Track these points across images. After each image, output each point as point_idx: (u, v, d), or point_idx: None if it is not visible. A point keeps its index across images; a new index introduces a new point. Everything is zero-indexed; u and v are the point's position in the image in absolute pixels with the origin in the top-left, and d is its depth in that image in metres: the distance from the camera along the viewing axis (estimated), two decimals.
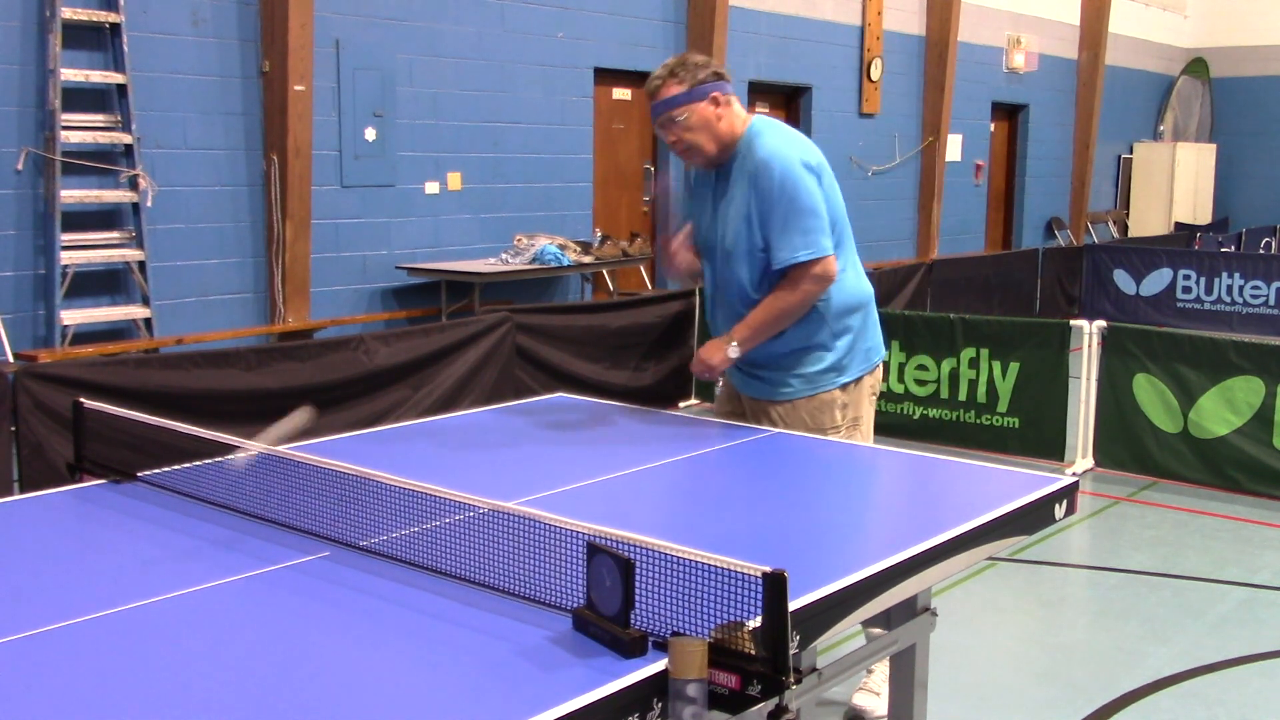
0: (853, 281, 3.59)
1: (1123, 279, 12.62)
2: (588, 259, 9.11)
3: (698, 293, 8.35)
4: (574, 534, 2.11)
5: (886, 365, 5.96)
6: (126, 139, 7.03)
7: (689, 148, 3.49)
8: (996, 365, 7.11)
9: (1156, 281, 12.43)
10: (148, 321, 7.16)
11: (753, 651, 1.82)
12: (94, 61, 7.00)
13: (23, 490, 4.75)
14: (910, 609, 2.81)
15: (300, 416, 2.91)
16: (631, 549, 1.96)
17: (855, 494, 2.96)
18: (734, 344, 3.49)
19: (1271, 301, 11.80)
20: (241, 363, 5.68)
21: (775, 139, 3.48)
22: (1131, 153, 18.21)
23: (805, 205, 3.41)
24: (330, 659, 1.91)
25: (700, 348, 3.54)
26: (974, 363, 7.18)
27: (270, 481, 2.64)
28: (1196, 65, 19.31)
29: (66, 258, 6.81)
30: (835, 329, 3.54)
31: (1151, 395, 6.63)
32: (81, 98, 6.92)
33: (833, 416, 3.55)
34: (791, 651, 1.83)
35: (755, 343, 3.51)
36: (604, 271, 9.81)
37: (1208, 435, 6.47)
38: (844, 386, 3.57)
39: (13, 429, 4.87)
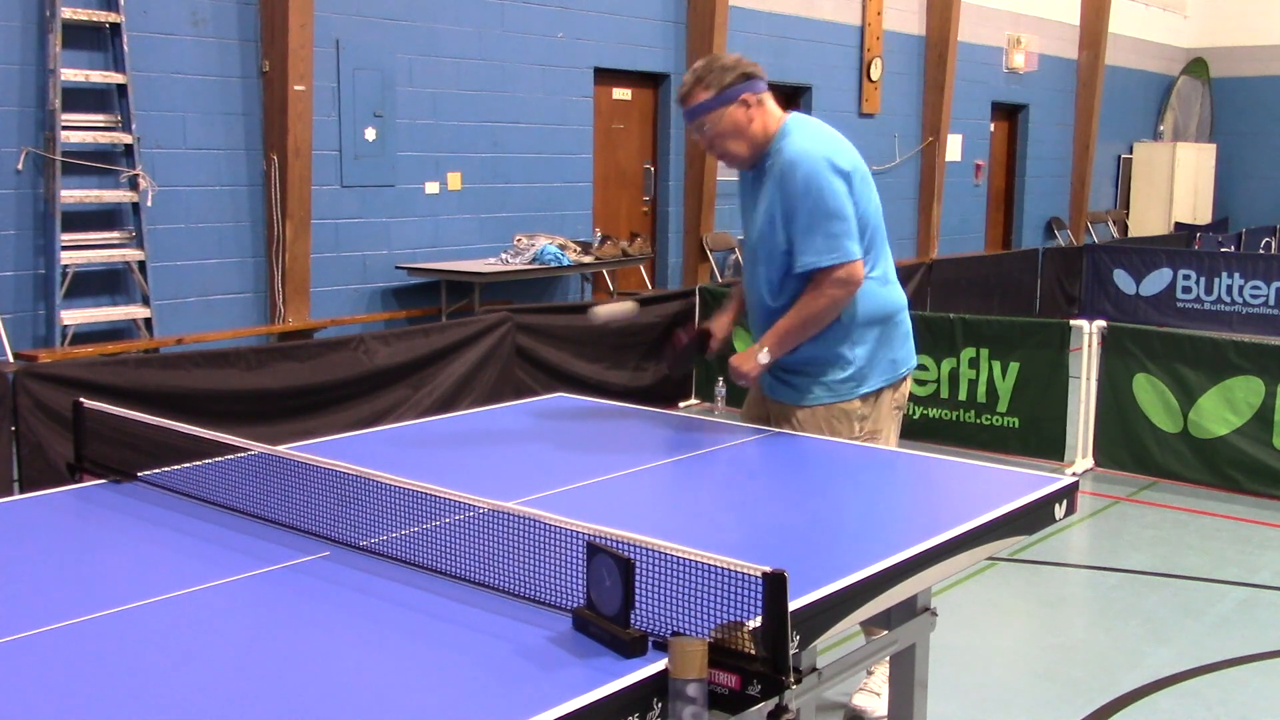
0: (880, 289, 3.49)
1: (1123, 279, 12.62)
2: (588, 259, 9.11)
3: (697, 293, 8.35)
4: (574, 534, 2.11)
5: None
6: (126, 139, 7.02)
7: (722, 153, 3.47)
8: (996, 365, 7.10)
9: (1156, 281, 12.43)
10: (148, 321, 7.16)
11: (753, 651, 1.81)
12: (94, 61, 7.00)
13: (23, 490, 4.76)
14: (910, 609, 2.81)
15: (628, 306, 3.92)
16: (631, 549, 1.96)
17: (855, 494, 2.96)
18: (764, 351, 3.44)
19: (1271, 301, 11.79)
20: (241, 363, 5.68)
21: (805, 139, 3.39)
22: (1131, 153, 18.20)
23: (830, 208, 3.31)
24: (330, 659, 1.91)
25: (733, 356, 3.52)
26: (974, 363, 7.18)
27: (270, 481, 2.65)
28: (1196, 65, 19.30)
29: (66, 258, 6.80)
30: (855, 338, 3.45)
31: (1151, 395, 6.63)
32: (81, 98, 6.91)
33: (850, 427, 3.48)
34: (791, 651, 1.83)
35: (784, 349, 3.45)
36: (604, 271, 9.81)
37: (1208, 435, 6.47)
38: (864, 397, 3.49)
39: (13, 429, 4.87)
